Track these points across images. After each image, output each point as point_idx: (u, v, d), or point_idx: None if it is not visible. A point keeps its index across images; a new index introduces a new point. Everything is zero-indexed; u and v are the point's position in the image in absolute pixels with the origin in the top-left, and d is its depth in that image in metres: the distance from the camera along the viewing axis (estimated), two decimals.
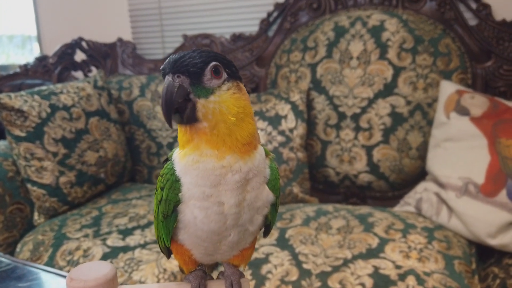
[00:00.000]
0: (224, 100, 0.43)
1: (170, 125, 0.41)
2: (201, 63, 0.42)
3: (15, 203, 1.47)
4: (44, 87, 1.57)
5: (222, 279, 0.50)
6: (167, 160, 0.48)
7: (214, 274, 0.54)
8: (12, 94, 1.45)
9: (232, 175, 0.43)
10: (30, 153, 1.45)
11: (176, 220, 0.45)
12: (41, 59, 2.03)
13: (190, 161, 0.43)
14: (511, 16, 1.47)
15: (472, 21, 1.51)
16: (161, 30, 2.13)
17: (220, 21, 1.99)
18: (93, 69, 2.08)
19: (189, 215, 0.44)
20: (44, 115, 1.48)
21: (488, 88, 1.49)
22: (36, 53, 2.61)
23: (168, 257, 0.53)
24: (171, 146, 1.80)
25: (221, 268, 0.52)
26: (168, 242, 0.48)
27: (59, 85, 1.61)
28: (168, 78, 0.41)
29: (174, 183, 0.44)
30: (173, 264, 1.17)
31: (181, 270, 0.56)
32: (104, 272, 0.44)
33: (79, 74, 2.08)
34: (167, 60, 0.43)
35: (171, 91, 0.40)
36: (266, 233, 0.51)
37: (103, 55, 2.08)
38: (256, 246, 0.92)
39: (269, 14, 1.81)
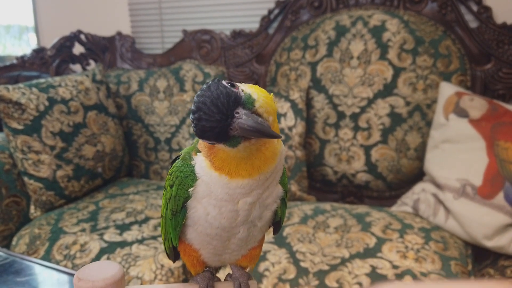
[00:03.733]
0: None
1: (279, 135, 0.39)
2: None
3: (11, 196, 1.46)
4: (42, 80, 1.55)
5: (230, 281, 0.50)
6: (176, 158, 0.47)
7: (222, 277, 0.54)
8: (10, 87, 1.44)
9: (266, 178, 0.43)
10: (28, 146, 1.44)
11: (185, 217, 0.45)
12: (39, 51, 2.01)
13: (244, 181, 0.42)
14: None
15: (473, 23, 1.52)
16: (160, 24, 2.12)
17: (220, 17, 1.98)
18: (92, 62, 2.06)
19: (200, 211, 0.44)
20: (42, 108, 1.47)
21: (487, 90, 1.50)
22: (33, 44, 2.58)
23: (174, 260, 0.53)
24: (168, 141, 1.79)
25: (229, 270, 0.52)
26: (176, 241, 0.48)
27: (57, 78, 1.60)
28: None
29: (184, 179, 0.44)
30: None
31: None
32: (112, 272, 0.43)
33: (77, 67, 2.07)
34: None
35: None
36: (276, 230, 0.51)
37: (102, 49, 2.06)
38: None
39: (270, 12, 1.80)
